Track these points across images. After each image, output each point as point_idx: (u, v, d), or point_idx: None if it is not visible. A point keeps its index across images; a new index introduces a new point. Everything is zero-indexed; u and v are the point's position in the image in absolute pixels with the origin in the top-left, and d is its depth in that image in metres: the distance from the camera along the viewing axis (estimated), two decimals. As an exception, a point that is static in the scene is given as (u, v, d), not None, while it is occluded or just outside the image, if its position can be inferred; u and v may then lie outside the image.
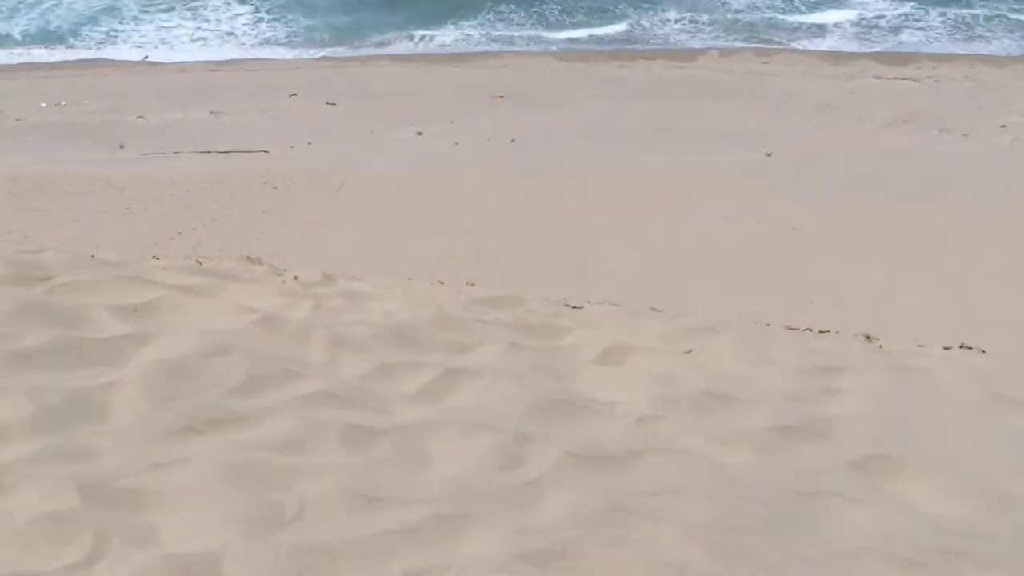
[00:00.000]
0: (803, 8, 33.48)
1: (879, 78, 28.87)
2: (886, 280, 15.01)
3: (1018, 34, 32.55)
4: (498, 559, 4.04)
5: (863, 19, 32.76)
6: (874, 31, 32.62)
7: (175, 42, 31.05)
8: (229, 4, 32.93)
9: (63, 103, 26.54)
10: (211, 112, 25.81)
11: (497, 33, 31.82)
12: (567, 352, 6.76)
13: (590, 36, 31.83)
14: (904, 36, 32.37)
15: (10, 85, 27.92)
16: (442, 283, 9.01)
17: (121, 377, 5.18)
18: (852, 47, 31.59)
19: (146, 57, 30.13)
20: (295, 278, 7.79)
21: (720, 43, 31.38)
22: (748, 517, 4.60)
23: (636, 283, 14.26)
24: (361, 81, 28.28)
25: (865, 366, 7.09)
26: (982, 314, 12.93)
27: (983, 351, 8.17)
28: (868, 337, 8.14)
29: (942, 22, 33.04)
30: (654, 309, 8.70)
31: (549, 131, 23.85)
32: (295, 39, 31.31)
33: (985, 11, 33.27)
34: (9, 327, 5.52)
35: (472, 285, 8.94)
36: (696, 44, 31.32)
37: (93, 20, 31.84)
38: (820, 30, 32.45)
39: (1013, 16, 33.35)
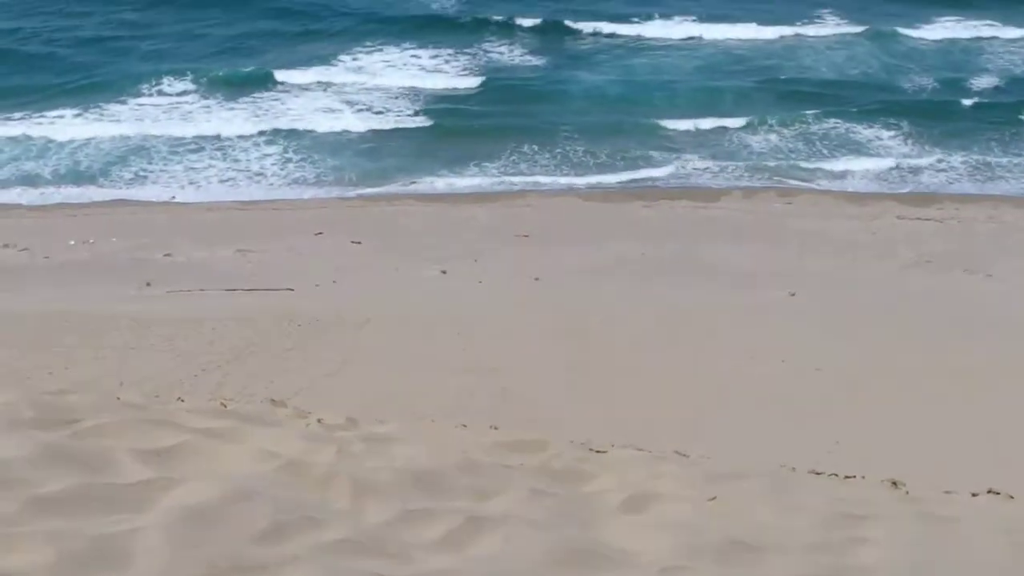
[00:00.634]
0: (825, 152, 33.77)
1: (902, 218, 28.99)
2: (912, 420, 14.92)
3: (1040, 175, 32.82)
4: None
5: (885, 167, 33.07)
6: (895, 171, 32.85)
7: (203, 182, 31.46)
8: (258, 144, 33.43)
9: (91, 241, 26.84)
10: (237, 250, 26.05)
11: (521, 173, 32.15)
12: (591, 499, 6.71)
13: (614, 176, 32.12)
14: (925, 177, 32.58)
15: (40, 223, 28.28)
16: (465, 426, 9.00)
17: (144, 524, 5.16)
18: (874, 188, 31.79)
19: (173, 197, 30.52)
20: (319, 421, 7.79)
21: (743, 183, 31.64)
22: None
23: (661, 423, 14.20)
24: (386, 220, 28.54)
25: (891, 514, 7.01)
26: (1009, 455, 12.81)
27: (1011, 496, 8.07)
28: (894, 483, 8.06)
29: (963, 163, 33.28)
30: (679, 453, 8.66)
31: (573, 269, 23.96)
32: (323, 179, 31.68)
33: (1007, 158, 33.55)
34: (33, 472, 5.52)
35: (495, 428, 8.92)
36: (719, 184, 31.58)
37: (122, 160, 32.32)
38: (842, 172, 32.71)
39: (1034, 160, 33.68)
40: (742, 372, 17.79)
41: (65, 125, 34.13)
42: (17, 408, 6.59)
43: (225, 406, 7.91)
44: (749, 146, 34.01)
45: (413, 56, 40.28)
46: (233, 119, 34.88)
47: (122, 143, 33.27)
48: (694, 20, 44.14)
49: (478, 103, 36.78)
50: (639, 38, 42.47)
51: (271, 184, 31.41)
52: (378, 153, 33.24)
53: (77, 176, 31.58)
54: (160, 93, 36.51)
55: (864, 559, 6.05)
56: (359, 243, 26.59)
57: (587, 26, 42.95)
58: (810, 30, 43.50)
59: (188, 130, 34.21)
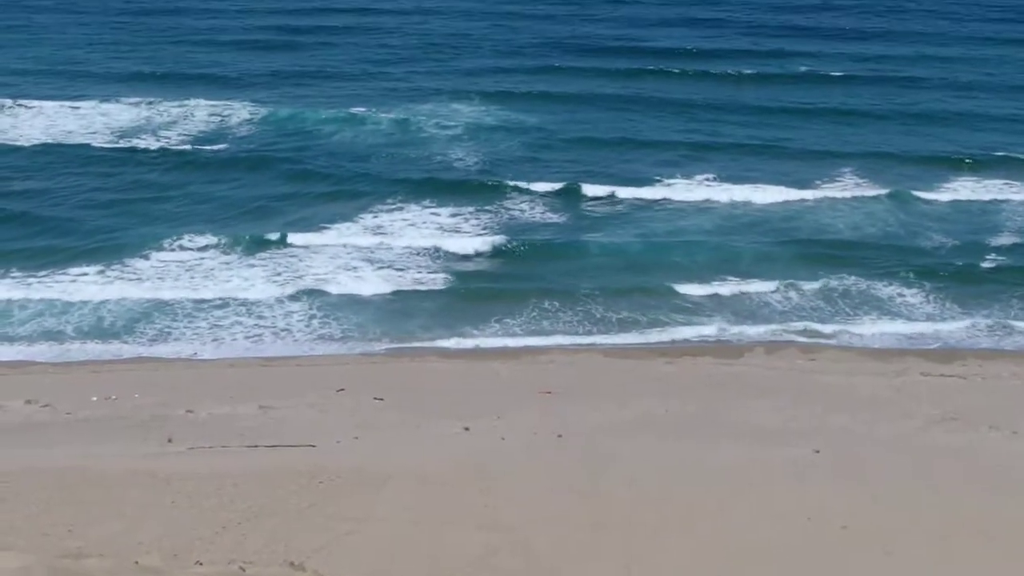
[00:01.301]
0: (847, 311, 33.83)
1: (925, 375, 28.89)
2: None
3: (1063, 334, 32.80)
4: None
5: (907, 325, 33.14)
6: (917, 329, 32.87)
7: (228, 339, 31.65)
8: (282, 302, 33.69)
9: (113, 397, 26.89)
10: (259, 406, 26.05)
11: (543, 331, 32.29)
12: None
13: (635, 333, 32.22)
14: (947, 335, 32.59)
15: (62, 380, 28.38)
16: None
17: None
18: (897, 345, 31.78)
19: (195, 354, 30.69)
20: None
21: (765, 340, 31.67)
22: None
23: (686, 582, 14.03)
24: (408, 376, 28.57)
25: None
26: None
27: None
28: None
29: (985, 324, 33.32)
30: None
31: (596, 426, 23.88)
32: (346, 336, 31.85)
33: (1024, 323, 33.66)
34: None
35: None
36: (741, 341, 31.63)
37: (145, 317, 32.57)
38: (865, 329, 32.74)
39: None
40: (767, 530, 17.61)
41: (88, 283, 34.48)
42: (34, 575, 6.55)
43: (244, 569, 7.84)
44: (770, 304, 34.11)
45: (433, 214, 40.76)
46: (254, 277, 35.20)
47: (144, 300, 33.57)
48: (714, 180, 44.61)
49: (499, 262, 37.07)
50: (660, 200, 42.81)
51: (295, 340, 31.61)
52: (400, 311, 33.44)
53: (100, 333, 31.79)
54: (183, 250, 36.89)
55: None
56: (381, 399, 26.56)
57: (605, 190, 43.36)
58: (829, 191, 43.86)
59: (210, 288, 34.51)
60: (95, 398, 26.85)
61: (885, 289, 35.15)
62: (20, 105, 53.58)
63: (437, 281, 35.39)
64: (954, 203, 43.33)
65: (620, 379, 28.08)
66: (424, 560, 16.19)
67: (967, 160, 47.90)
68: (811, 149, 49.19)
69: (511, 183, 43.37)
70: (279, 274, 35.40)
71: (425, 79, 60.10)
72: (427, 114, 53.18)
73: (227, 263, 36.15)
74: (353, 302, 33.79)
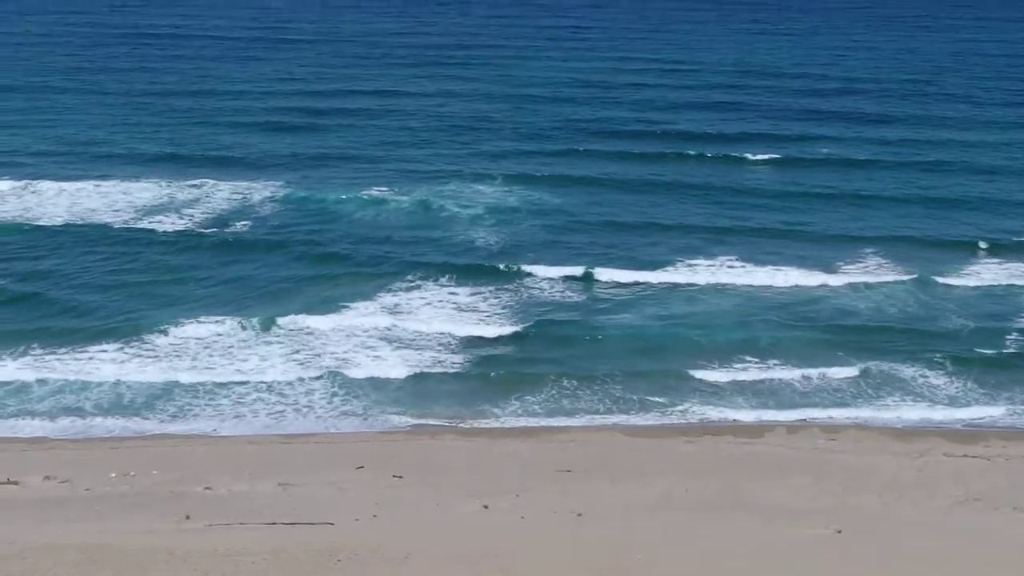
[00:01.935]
0: (869, 392, 33.74)
1: (948, 455, 28.70)
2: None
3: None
4: None
5: (930, 408, 33.01)
6: (940, 410, 32.75)
7: (249, 415, 31.69)
8: (303, 380, 33.75)
9: (132, 473, 26.89)
10: (278, 484, 26.03)
11: (562, 410, 32.28)
12: None
13: (655, 413, 32.15)
14: (970, 416, 32.48)
15: (81, 455, 28.39)
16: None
17: None
18: (919, 425, 31.61)
19: (214, 430, 30.71)
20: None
21: (786, 420, 31.54)
22: None
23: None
24: (428, 454, 28.50)
25: None
26: None
27: None
28: None
29: (1007, 408, 33.20)
30: None
31: (616, 505, 23.78)
32: (366, 413, 31.86)
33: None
34: None
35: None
36: (762, 421, 31.50)
37: (167, 393, 32.67)
38: (887, 410, 32.60)
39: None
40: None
41: (107, 360, 34.62)
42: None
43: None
44: (791, 384, 34.01)
45: (451, 293, 40.84)
46: (271, 356, 35.28)
47: (163, 378, 33.68)
48: (736, 262, 44.58)
49: (518, 342, 37.03)
50: (681, 284, 42.74)
51: (319, 416, 31.63)
52: (419, 390, 33.45)
53: (119, 410, 31.89)
54: (202, 330, 36.98)
55: None
56: (400, 477, 26.51)
57: (625, 272, 43.35)
58: (851, 275, 43.78)
59: (227, 367, 34.62)
60: (114, 474, 26.86)
61: (907, 371, 35.02)
62: (43, 185, 53.98)
63: (457, 360, 35.40)
64: (976, 287, 43.26)
65: (640, 458, 27.97)
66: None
67: (988, 244, 47.88)
68: (833, 233, 49.16)
69: (529, 267, 43.41)
70: (297, 352, 35.48)
71: (447, 161, 60.39)
72: (449, 195, 53.42)
73: (245, 342, 36.19)
74: (371, 381, 33.76)
